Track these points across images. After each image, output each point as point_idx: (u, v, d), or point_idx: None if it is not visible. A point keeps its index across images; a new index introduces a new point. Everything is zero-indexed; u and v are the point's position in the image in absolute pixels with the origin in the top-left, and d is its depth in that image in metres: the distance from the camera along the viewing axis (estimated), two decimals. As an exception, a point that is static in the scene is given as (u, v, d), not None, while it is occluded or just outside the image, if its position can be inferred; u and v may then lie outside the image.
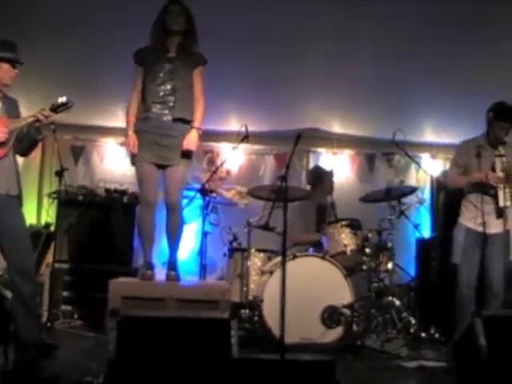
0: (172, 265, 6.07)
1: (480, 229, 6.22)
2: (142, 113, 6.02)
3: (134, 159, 6.04)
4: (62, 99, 5.39)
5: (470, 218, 6.38)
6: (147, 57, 6.07)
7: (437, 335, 6.98)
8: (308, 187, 8.35)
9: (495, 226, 6.23)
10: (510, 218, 6.32)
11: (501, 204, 6.19)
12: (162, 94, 5.98)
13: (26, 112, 5.62)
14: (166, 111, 5.97)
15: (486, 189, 6.26)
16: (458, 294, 6.30)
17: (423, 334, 6.95)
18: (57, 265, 7.58)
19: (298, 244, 7.57)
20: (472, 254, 6.27)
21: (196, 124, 6.06)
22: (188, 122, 6.03)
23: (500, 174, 6.19)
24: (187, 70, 6.08)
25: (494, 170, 6.25)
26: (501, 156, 6.26)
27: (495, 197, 6.22)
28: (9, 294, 5.64)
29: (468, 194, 6.45)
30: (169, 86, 5.99)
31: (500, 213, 6.24)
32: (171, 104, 5.98)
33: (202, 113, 6.11)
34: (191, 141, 5.99)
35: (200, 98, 6.12)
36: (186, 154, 6.01)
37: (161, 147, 5.94)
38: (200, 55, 6.17)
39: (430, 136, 9.48)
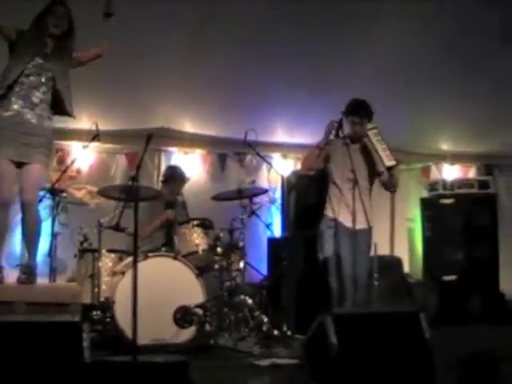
0: (28, 268, 5.85)
1: (346, 224, 6.54)
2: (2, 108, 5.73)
3: None
4: None
5: (332, 212, 6.61)
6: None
7: (289, 333, 7.06)
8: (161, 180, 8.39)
9: (360, 223, 6.50)
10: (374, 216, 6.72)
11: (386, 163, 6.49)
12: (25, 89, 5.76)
13: None
14: (28, 110, 5.75)
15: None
16: (331, 288, 6.58)
17: (275, 332, 7.01)
18: None
19: (151, 235, 7.52)
20: (338, 247, 6.53)
21: None
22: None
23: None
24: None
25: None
26: (373, 129, 6.55)
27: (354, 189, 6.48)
28: None
29: (331, 188, 6.73)
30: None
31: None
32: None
33: None
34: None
35: None
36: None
37: (20, 145, 5.69)
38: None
39: (281, 136, 9.61)
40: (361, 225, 6.50)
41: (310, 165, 6.83)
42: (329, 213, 6.73)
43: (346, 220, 6.54)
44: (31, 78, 5.75)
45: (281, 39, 7.64)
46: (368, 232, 6.67)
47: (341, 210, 6.58)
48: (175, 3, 6.99)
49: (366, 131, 6.58)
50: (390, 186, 6.82)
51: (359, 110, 6.65)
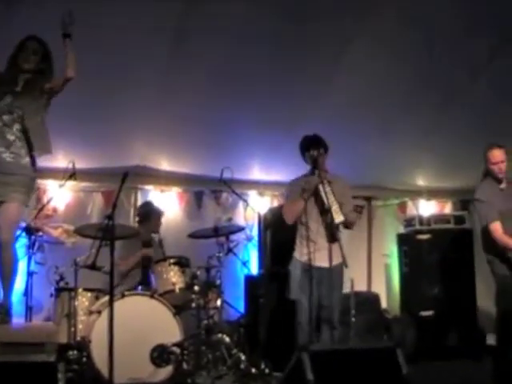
0: (3, 307, 5.78)
1: (315, 263, 6.41)
2: None
3: None
4: None
5: (305, 253, 6.51)
6: None
7: (267, 370, 7.03)
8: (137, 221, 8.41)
9: (336, 259, 6.37)
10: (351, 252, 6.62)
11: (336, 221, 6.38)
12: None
13: None
14: (4, 149, 5.73)
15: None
16: (299, 329, 6.47)
17: (253, 370, 6.98)
18: None
19: (128, 274, 7.50)
20: (309, 287, 6.40)
21: None
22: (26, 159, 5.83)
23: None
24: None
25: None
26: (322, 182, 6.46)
27: (326, 228, 6.42)
28: None
29: (301, 229, 6.66)
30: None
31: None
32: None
33: None
34: None
35: None
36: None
37: None
38: None
39: (257, 174, 9.62)
40: (336, 260, 6.37)
41: (296, 217, 6.76)
42: (299, 256, 6.65)
43: (321, 261, 6.38)
44: (3, 116, 5.75)
45: (254, 76, 7.65)
46: (342, 265, 6.59)
47: (316, 253, 6.42)
48: (149, 40, 7.00)
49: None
50: (347, 227, 6.77)
51: (313, 142, 6.65)
